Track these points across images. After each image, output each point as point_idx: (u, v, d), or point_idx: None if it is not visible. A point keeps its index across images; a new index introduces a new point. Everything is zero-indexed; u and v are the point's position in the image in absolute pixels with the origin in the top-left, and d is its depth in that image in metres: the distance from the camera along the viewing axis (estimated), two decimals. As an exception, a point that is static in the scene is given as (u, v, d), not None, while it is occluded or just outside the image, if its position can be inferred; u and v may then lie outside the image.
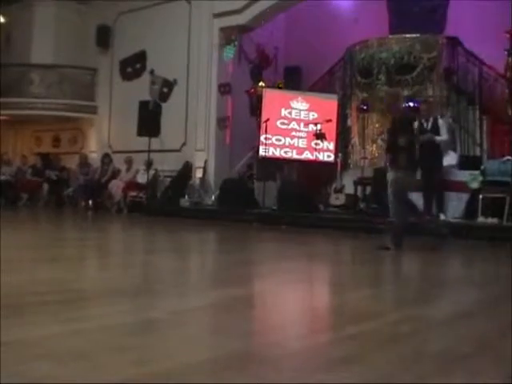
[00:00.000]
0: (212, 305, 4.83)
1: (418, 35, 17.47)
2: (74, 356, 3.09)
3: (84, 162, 20.53)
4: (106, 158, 20.12)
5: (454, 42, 17.38)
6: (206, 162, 18.55)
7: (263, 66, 19.86)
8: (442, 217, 13.26)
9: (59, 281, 5.58)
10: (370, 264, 8.24)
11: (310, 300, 5.51)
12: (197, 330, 3.97)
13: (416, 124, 10.76)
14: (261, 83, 19.11)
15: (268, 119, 17.00)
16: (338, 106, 17.83)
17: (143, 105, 18.30)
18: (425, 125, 13.60)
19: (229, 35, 19.13)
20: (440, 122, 13.70)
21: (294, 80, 19.96)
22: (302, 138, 17.61)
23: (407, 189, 9.91)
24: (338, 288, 6.15)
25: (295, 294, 5.62)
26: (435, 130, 13.49)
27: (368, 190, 15.84)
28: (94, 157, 21.39)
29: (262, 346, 3.48)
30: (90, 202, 19.59)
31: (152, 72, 20.22)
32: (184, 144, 19.33)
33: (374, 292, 5.82)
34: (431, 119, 13.72)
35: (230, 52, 19.07)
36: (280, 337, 3.74)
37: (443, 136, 13.47)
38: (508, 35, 15.78)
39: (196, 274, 7.04)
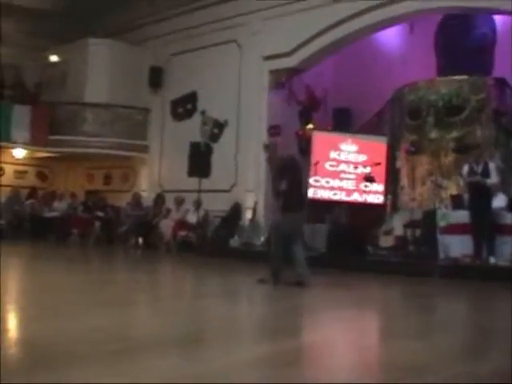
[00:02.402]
0: (262, 358, 4.86)
1: (465, 77, 17.52)
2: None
3: (137, 201, 20.73)
4: (160, 198, 20.26)
5: (502, 82, 17.38)
6: (255, 203, 18.62)
7: (312, 107, 19.94)
8: (493, 260, 13.21)
9: (110, 328, 5.69)
10: (420, 311, 8.23)
11: (362, 354, 5.45)
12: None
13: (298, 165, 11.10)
14: (309, 125, 19.21)
15: (318, 162, 17.06)
16: (387, 147, 17.83)
17: (194, 145, 18.51)
18: (475, 168, 13.64)
19: (278, 77, 19.28)
20: (490, 165, 13.73)
21: (343, 121, 20.00)
22: (351, 180, 17.63)
23: (293, 230, 10.36)
24: (388, 339, 6.16)
25: (346, 348, 5.64)
26: (486, 172, 13.51)
27: (417, 232, 15.77)
28: (145, 195, 21.60)
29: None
30: (141, 240, 19.78)
31: (203, 113, 20.45)
32: (234, 185, 19.43)
33: (425, 343, 5.80)
34: (482, 162, 13.75)
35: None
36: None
37: (493, 179, 13.49)
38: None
39: (246, 323, 7.04)
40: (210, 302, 8.41)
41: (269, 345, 5.37)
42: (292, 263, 10.22)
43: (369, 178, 16.65)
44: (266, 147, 11.36)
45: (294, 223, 10.38)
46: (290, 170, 10.41)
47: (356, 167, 17.52)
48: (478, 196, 13.54)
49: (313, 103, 19.95)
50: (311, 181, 17.28)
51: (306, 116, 19.79)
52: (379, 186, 17.46)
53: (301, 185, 10.75)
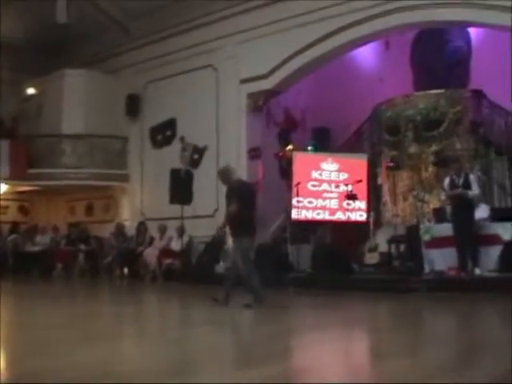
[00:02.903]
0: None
1: (442, 90, 17.60)
2: None
3: (120, 231, 20.65)
4: (142, 226, 20.13)
5: (479, 94, 17.47)
6: (239, 226, 18.54)
7: (290, 128, 19.95)
8: (478, 271, 13.22)
9: (96, 364, 5.60)
10: (408, 328, 8.19)
11: (351, 376, 5.36)
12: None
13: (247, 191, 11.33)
14: (289, 146, 19.20)
15: (299, 182, 17.04)
16: (368, 165, 17.83)
17: (175, 172, 18.43)
18: (456, 180, 13.69)
19: (256, 100, 19.29)
20: (471, 177, 13.81)
21: (322, 141, 20.02)
22: (333, 198, 17.60)
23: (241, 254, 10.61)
24: (377, 359, 6.10)
25: (335, 371, 5.58)
26: (467, 184, 13.57)
27: (402, 247, 15.76)
28: (128, 225, 21.51)
29: None
30: (126, 270, 19.67)
31: (182, 139, 20.45)
32: (217, 209, 19.34)
33: (414, 360, 5.75)
34: (462, 174, 13.81)
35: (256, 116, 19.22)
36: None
37: (474, 190, 13.56)
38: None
39: (233, 350, 6.97)
40: (196, 331, 8.33)
41: (255, 373, 5.29)
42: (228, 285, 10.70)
43: (351, 196, 16.64)
44: (219, 173, 11.46)
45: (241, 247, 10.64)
46: (238, 195, 10.60)
47: (338, 186, 17.51)
48: (461, 208, 13.58)
49: (291, 124, 19.97)
50: (294, 201, 17.25)
51: (284, 137, 19.79)
52: (362, 204, 17.44)
53: (250, 211, 10.81)
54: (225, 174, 11.20)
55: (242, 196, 10.62)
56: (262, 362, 5.76)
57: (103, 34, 22.51)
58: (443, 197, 15.55)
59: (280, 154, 19.32)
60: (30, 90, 23.82)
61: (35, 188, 22.87)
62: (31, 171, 21.97)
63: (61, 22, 17.73)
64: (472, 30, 18.59)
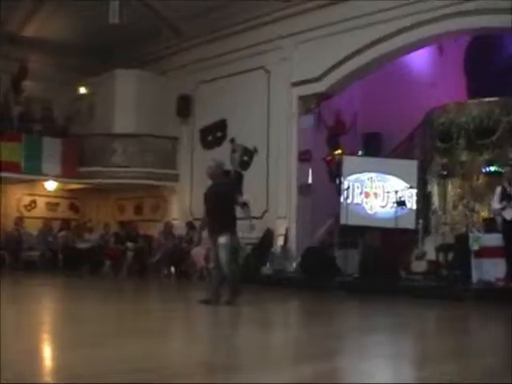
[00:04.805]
0: (297, 382, 4.84)
1: (496, 98, 17.37)
2: None
3: (168, 230, 20.76)
4: (191, 226, 20.18)
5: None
6: (287, 229, 18.56)
7: (340, 132, 19.91)
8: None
9: (145, 357, 5.65)
10: (454, 335, 8.13)
11: (396, 378, 5.41)
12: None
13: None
14: (338, 150, 19.15)
15: (348, 187, 17.01)
16: (418, 171, 17.71)
17: (226, 174, 18.47)
18: (508, 190, 13.50)
19: (307, 103, 19.27)
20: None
21: (373, 146, 19.95)
22: (382, 204, 17.52)
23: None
24: (421, 363, 6.08)
25: (379, 373, 5.58)
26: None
27: (450, 256, 15.61)
28: (176, 224, 21.60)
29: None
30: (173, 269, 19.77)
31: (232, 140, 20.54)
32: (266, 211, 19.38)
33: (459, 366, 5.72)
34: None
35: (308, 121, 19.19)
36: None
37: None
38: None
39: (282, 349, 6.97)
40: (245, 329, 8.34)
41: (304, 369, 5.31)
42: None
43: (400, 202, 16.53)
44: (210, 167, 11.39)
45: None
46: (218, 193, 10.87)
47: (387, 192, 17.41)
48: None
49: (340, 128, 19.93)
50: (342, 206, 17.22)
51: (333, 141, 19.74)
52: (411, 211, 17.31)
53: (231, 208, 10.94)
54: (216, 170, 11.27)
55: (220, 194, 10.84)
56: (312, 360, 5.78)
57: (155, 34, 22.61)
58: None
59: (329, 158, 19.28)
60: (82, 90, 24.02)
61: (86, 186, 23.08)
62: (82, 169, 22.21)
63: (113, 22, 17.85)
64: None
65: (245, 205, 11.19)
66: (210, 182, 11.36)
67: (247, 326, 9.02)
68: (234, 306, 10.26)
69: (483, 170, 16.84)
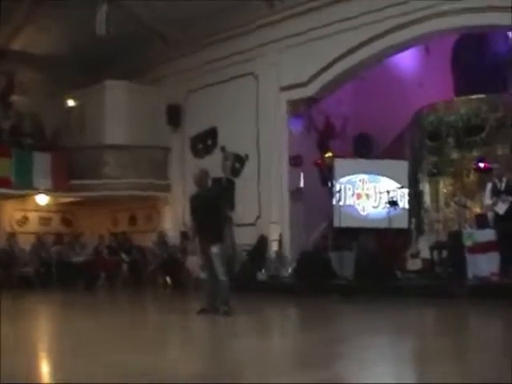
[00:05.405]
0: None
1: (483, 96, 17.44)
2: None
3: (162, 240, 20.74)
4: (184, 235, 20.16)
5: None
6: (280, 234, 18.56)
7: (330, 136, 19.93)
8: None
9: (143, 370, 5.65)
10: (452, 334, 8.14)
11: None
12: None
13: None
14: (328, 153, 19.17)
15: (340, 189, 17.03)
16: (409, 171, 17.75)
17: (216, 181, 18.46)
18: (498, 185, 13.57)
19: (297, 107, 19.29)
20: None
21: (363, 147, 19.96)
22: (374, 205, 17.57)
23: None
24: (420, 366, 6.08)
25: (383, 374, 5.58)
26: (510, 189, 13.45)
27: (444, 253, 15.64)
28: (170, 234, 21.59)
29: None
30: (168, 279, 19.75)
31: (223, 148, 20.52)
32: (258, 217, 19.40)
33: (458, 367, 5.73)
34: (504, 179, 13.69)
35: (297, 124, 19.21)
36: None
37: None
38: None
39: (280, 357, 6.95)
40: (242, 341, 8.30)
41: (304, 376, 5.31)
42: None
43: (392, 202, 16.57)
44: (196, 175, 11.39)
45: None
46: (200, 203, 10.95)
47: (379, 192, 17.45)
48: (506, 215, 13.45)
49: (330, 131, 19.96)
50: (335, 209, 17.25)
51: (324, 145, 19.76)
52: (403, 210, 17.36)
53: (219, 217, 11.06)
54: (202, 178, 11.27)
55: (207, 203, 10.87)
56: (312, 367, 5.78)
57: (143, 44, 22.58)
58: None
59: (320, 162, 19.28)
60: (71, 102, 23.99)
61: (78, 199, 22.99)
62: (74, 182, 22.09)
63: (100, 34, 17.86)
64: (512, 34, 18.46)
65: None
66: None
67: (245, 334, 9.00)
68: (231, 315, 10.19)
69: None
